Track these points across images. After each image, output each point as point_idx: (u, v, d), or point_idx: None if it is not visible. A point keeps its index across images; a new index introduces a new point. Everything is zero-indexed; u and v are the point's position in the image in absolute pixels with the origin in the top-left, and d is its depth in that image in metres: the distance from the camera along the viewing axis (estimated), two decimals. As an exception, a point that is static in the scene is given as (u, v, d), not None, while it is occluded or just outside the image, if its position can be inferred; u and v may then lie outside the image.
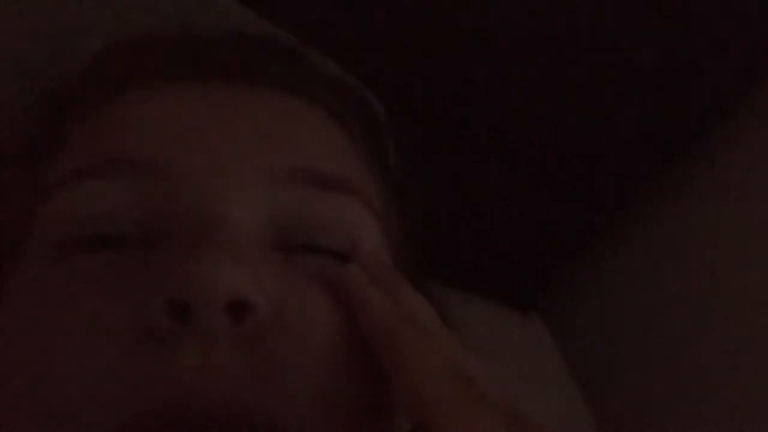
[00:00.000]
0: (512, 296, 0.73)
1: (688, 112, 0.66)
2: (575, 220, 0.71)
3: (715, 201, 0.68)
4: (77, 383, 0.29)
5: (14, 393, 0.31)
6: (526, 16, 0.62)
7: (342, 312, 0.34)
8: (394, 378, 0.31)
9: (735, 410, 0.62)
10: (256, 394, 0.30)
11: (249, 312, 0.30)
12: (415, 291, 0.35)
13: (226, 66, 0.40)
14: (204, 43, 0.42)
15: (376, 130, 0.45)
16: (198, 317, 0.29)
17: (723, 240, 0.67)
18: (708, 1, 0.62)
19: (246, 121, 0.36)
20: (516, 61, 0.64)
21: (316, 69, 0.44)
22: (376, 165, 0.42)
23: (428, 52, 0.63)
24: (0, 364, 0.32)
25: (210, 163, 0.34)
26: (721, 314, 0.65)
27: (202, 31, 0.43)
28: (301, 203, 0.35)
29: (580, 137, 0.67)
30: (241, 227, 0.33)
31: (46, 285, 0.33)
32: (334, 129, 0.40)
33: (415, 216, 0.45)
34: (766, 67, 0.65)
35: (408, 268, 0.40)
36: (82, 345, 0.30)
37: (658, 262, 0.71)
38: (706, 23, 0.63)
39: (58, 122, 0.39)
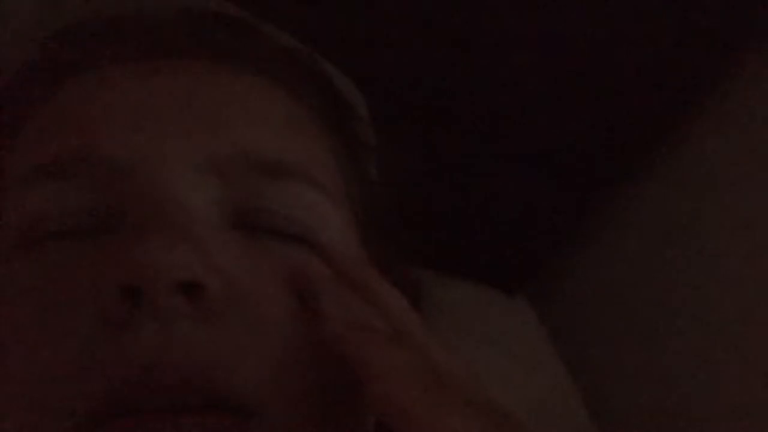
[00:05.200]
0: (499, 279, 0.72)
1: (678, 89, 0.65)
2: (563, 203, 0.70)
3: (706, 185, 0.67)
4: (41, 373, 0.30)
5: None
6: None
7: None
8: (362, 381, 0.31)
9: (726, 393, 0.62)
10: (214, 370, 0.30)
11: (201, 291, 0.30)
12: (384, 282, 0.35)
13: (172, 44, 0.39)
14: (148, 23, 0.41)
15: (337, 101, 0.44)
16: (150, 300, 0.29)
17: (713, 225, 0.66)
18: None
19: (191, 103, 0.36)
20: (500, 43, 0.63)
21: (269, 42, 0.43)
22: (337, 139, 0.41)
23: (407, 31, 0.62)
24: None
25: (155, 150, 0.34)
26: (712, 298, 0.65)
27: (147, 9, 0.42)
28: (250, 189, 0.35)
29: (570, 119, 0.66)
30: (188, 209, 0.33)
31: (5, 279, 0.34)
32: (287, 103, 0.40)
33: (398, 197, 0.44)
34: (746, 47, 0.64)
35: (377, 250, 0.40)
36: (42, 336, 0.31)
37: (647, 246, 0.70)
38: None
39: (8, 114, 0.40)
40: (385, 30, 0.62)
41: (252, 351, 0.31)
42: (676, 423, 0.64)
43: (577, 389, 0.67)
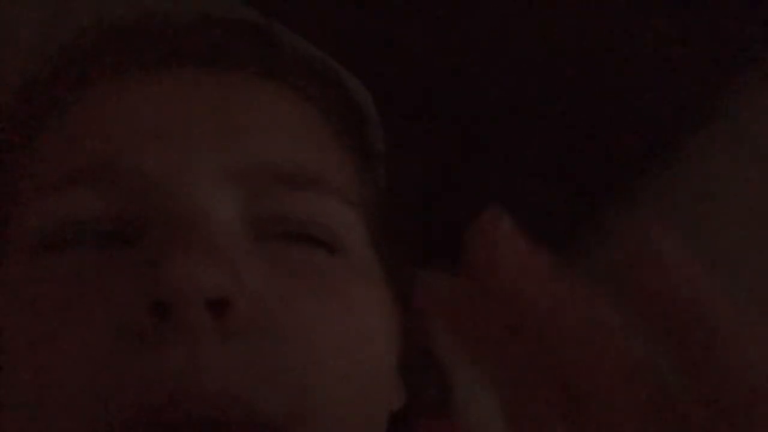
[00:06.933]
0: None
1: (684, 92, 0.66)
2: (565, 204, 0.71)
3: (707, 188, 0.68)
4: (64, 385, 0.30)
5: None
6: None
7: (332, 302, 0.33)
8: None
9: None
10: (243, 389, 0.30)
11: (229, 308, 0.30)
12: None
13: (193, 52, 0.39)
14: (169, 29, 0.41)
15: (351, 108, 0.44)
16: (179, 316, 0.29)
17: (714, 229, 0.66)
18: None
19: (214, 112, 0.36)
20: (501, 49, 0.64)
21: (287, 48, 0.43)
22: (351, 144, 0.41)
23: (408, 33, 0.62)
24: None
25: (181, 161, 0.34)
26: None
27: (166, 16, 0.42)
28: (272, 199, 0.35)
29: (573, 122, 0.67)
30: (214, 223, 0.33)
31: (25, 288, 0.33)
32: (304, 110, 0.40)
33: (403, 199, 0.44)
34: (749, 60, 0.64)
35: (385, 254, 0.40)
36: (65, 348, 0.30)
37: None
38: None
39: (27, 121, 0.39)
40: (384, 30, 0.62)
41: (282, 372, 0.31)
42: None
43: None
